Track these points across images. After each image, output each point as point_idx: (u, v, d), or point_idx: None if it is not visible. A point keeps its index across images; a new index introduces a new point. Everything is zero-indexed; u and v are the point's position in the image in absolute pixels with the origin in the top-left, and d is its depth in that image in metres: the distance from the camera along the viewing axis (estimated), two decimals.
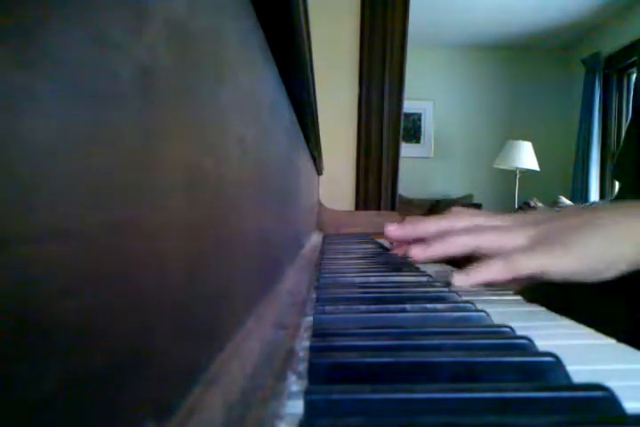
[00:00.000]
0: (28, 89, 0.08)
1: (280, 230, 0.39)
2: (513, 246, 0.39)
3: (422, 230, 0.47)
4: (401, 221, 0.73)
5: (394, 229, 0.49)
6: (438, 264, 0.66)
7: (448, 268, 0.62)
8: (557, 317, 0.36)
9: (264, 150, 0.30)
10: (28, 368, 0.08)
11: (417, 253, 0.43)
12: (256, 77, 0.27)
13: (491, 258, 0.39)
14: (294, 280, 0.41)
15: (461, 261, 0.42)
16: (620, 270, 0.37)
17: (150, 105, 0.12)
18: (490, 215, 0.47)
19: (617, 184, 0.77)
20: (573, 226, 0.39)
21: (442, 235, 0.43)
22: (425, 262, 0.44)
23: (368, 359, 0.21)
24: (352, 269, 0.56)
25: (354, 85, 1.51)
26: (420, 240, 0.46)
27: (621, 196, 0.76)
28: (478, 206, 3.69)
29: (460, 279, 0.39)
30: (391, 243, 0.71)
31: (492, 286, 0.42)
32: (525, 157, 3.54)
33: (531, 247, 0.38)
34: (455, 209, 0.69)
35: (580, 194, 3.50)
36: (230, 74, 0.20)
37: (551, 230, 0.39)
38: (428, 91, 3.99)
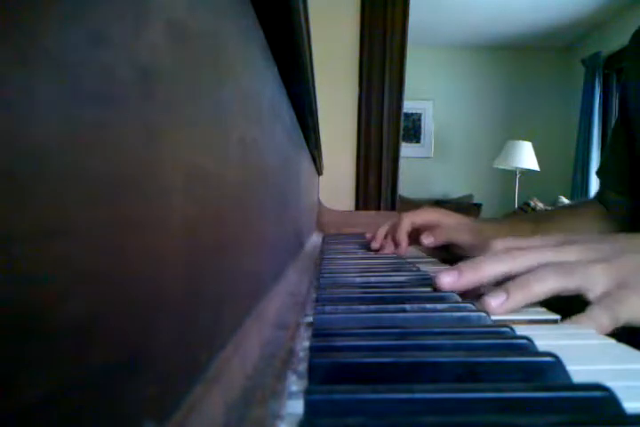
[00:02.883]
0: (28, 89, 0.08)
1: (280, 230, 0.39)
2: (598, 290, 0.36)
3: (488, 275, 0.38)
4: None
5: (451, 282, 0.38)
6: (438, 263, 0.66)
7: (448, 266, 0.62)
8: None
9: (264, 150, 0.30)
10: (29, 368, 0.08)
11: (496, 306, 0.35)
12: (256, 77, 0.27)
13: (592, 307, 0.35)
14: (294, 280, 0.41)
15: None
16: None
17: (149, 105, 0.12)
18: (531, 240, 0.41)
19: None
20: None
21: (519, 280, 0.36)
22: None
23: (368, 359, 0.21)
24: (352, 269, 0.56)
25: (354, 85, 1.51)
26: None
27: (602, 192, 0.76)
28: (478, 206, 3.69)
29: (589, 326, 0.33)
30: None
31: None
32: (525, 157, 3.54)
33: (618, 298, 0.35)
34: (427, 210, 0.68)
35: (579, 194, 3.50)
36: (230, 74, 0.20)
37: (627, 274, 0.36)
38: (428, 91, 3.99)
